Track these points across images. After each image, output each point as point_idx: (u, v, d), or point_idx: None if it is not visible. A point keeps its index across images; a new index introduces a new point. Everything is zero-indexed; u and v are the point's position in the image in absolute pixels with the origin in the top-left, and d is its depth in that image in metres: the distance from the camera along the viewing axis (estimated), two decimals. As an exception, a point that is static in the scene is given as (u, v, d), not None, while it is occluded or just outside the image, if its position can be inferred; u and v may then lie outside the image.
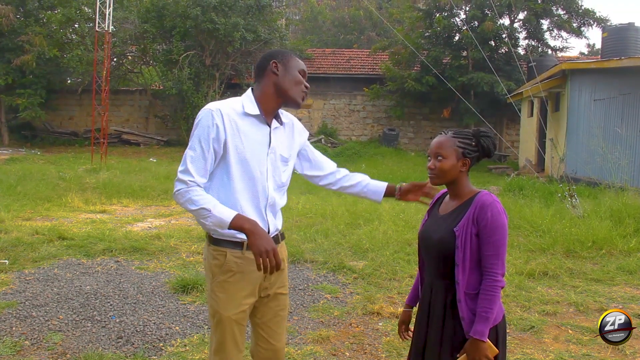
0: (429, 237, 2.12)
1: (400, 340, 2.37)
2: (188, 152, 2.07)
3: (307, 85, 2.21)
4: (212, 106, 2.10)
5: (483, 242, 1.97)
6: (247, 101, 2.17)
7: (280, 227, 2.32)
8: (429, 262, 2.15)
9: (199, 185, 2.05)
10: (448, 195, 2.17)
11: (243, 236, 2.06)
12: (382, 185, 2.50)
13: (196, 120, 2.10)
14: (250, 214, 2.14)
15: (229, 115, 2.10)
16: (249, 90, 2.22)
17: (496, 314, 1.99)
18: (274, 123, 2.23)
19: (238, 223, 1.98)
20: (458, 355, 1.99)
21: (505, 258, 1.99)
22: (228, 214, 2.00)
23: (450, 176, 2.07)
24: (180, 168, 2.08)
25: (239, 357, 2.23)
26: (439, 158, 2.06)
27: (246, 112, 2.13)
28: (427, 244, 2.14)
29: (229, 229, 2.01)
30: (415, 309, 2.29)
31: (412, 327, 2.29)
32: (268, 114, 2.19)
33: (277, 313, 2.32)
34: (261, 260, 1.92)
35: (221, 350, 2.18)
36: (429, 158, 2.11)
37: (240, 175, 2.13)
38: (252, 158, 2.14)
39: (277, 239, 2.27)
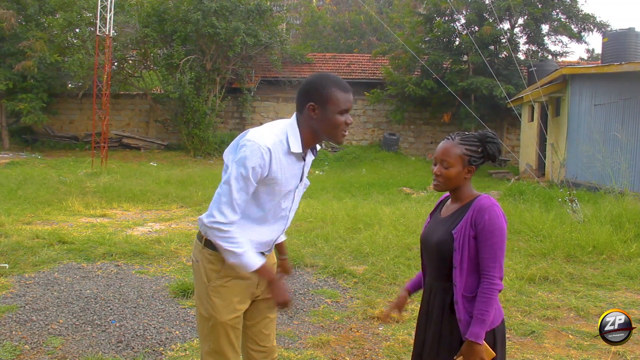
0: (429, 240, 2.13)
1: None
2: (233, 183, 2.04)
3: (349, 122, 2.13)
4: (261, 142, 2.05)
5: (480, 245, 1.97)
6: (292, 137, 2.13)
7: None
8: (429, 264, 2.16)
9: (234, 224, 2.08)
10: (450, 199, 2.17)
11: None
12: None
13: (243, 151, 2.04)
14: (263, 243, 2.23)
15: (277, 154, 2.08)
16: (294, 119, 2.17)
17: (494, 317, 1.99)
18: (309, 155, 2.26)
19: (263, 273, 2.13)
20: (455, 358, 2.00)
21: (503, 261, 1.99)
22: (254, 262, 2.09)
23: (455, 183, 2.07)
24: (223, 198, 2.04)
25: (238, 359, 2.27)
26: (445, 165, 2.05)
27: (292, 151, 2.12)
28: (427, 247, 2.16)
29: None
30: (415, 310, 2.29)
31: (413, 332, 2.29)
32: (306, 149, 2.20)
33: (267, 315, 2.35)
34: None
35: (219, 354, 2.21)
36: (435, 163, 2.10)
37: (268, 207, 2.17)
38: (284, 192, 2.18)
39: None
